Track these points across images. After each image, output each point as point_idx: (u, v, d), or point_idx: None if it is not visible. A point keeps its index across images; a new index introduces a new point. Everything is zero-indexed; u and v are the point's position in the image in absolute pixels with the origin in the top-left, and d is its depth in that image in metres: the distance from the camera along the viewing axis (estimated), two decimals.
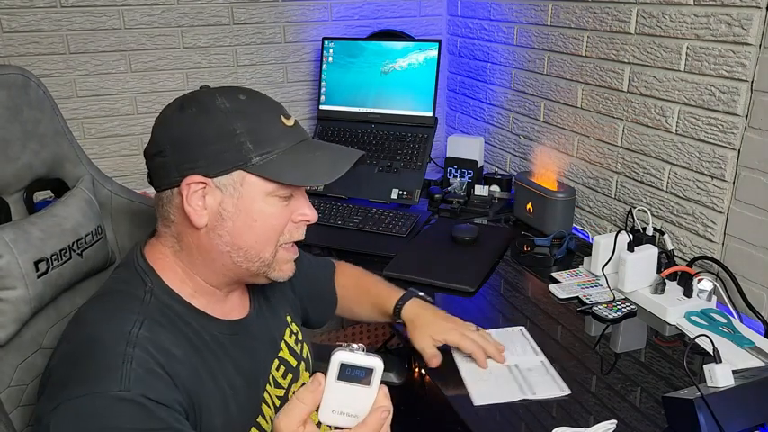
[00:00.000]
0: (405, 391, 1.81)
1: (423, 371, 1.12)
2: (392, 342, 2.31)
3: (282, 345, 1.01)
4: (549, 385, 1.04)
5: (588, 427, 0.94)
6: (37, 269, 0.88)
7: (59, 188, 1.06)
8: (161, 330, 0.79)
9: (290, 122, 0.87)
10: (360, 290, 1.24)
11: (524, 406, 1.00)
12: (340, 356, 0.64)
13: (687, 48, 1.32)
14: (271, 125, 0.85)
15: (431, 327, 1.11)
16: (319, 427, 0.67)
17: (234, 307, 0.93)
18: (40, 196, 1.04)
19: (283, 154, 0.84)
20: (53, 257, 0.92)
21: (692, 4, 1.29)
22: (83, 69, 1.88)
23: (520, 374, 1.07)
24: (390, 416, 0.66)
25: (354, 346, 0.65)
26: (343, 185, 1.88)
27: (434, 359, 1.08)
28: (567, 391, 1.02)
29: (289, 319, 1.06)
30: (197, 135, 0.81)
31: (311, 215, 0.89)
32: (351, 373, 0.64)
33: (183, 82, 2.00)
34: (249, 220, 0.83)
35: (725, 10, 1.22)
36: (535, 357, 1.12)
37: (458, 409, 1.01)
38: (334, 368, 0.64)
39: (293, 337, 1.04)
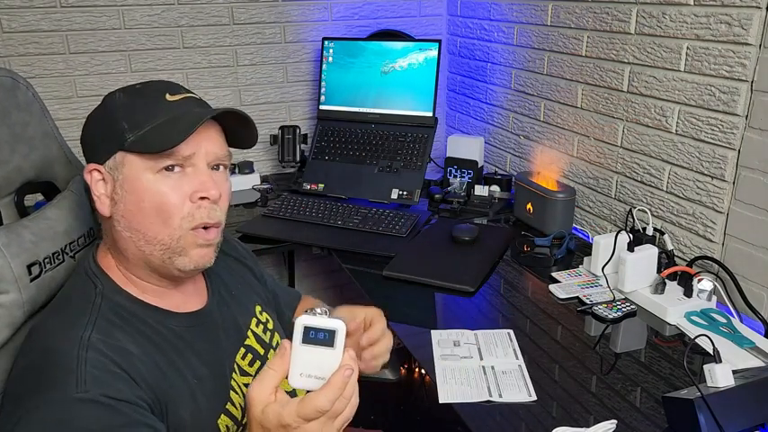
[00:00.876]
0: (405, 390, 1.81)
1: (423, 371, 1.12)
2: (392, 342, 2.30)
3: (249, 333, 1.01)
4: (517, 389, 1.04)
5: (588, 427, 0.93)
6: (30, 273, 0.88)
7: (50, 191, 1.06)
8: (115, 330, 0.80)
9: (176, 97, 0.86)
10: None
11: (525, 406, 1.00)
12: (303, 320, 0.66)
13: (687, 48, 1.32)
14: (149, 103, 0.85)
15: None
16: (291, 395, 0.68)
17: (188, 299, 0.93)
18: (36, 199, 1.04)
19: (156, 127, 0.82)
20: (46, 261, 0.91)
21: (692, 4, 1.29)
22: (83, 69, 1.88)
23: (493, 376, 1.08)
24: (356, 375, 0.66)
25: (317, 310, 0.68)
26: (343, 185, 1.89)
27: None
28: (533, 398, 1.02)
29: (258, 308, 1.06)
30: (92, 129, 0.87)
31: (207, 189, 0.84)
32: (315, 336, 0.66)
33: (183, 82, 2.00)
34: (137, 199, 0.83)
35: (725, 10, 1.22)
36: (514, 361, 1.12)
37: (458, 409, 1.01)
38: (298, 332, 0.66)
39: (261, 326, 1.04)
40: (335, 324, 0.66)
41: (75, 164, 1.09)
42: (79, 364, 0.72)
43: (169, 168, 0.83)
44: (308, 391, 0.66)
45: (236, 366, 0.95)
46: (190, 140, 0.82)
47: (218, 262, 1.04)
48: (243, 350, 0.98)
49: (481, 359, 1.13)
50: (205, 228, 0.86)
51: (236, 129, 0.90)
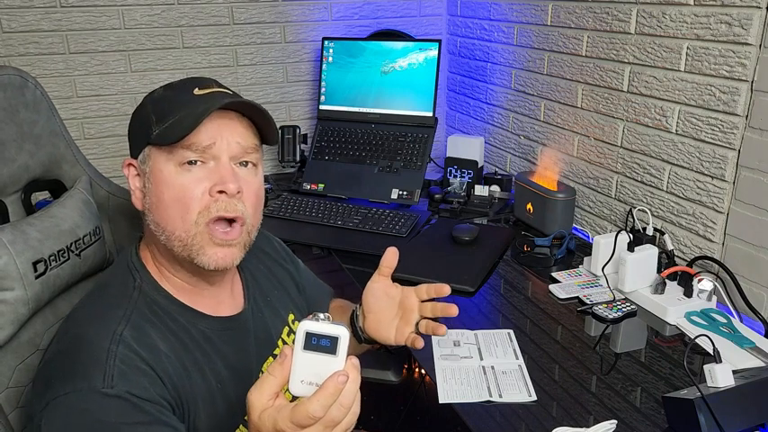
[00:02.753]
0: (405, 391, 1.81)
1: (423, 371, 1.12)
2: None
3: (279, 343, 1.00)
4: (517, 390, 1.04)
5: (588, 427, 0.94)
6: (35, 270, 0.89)
7: (57, 189, 1.06)
8: (147, 326, 0.80)
9: (204, 91, 0.85)
10: (340, 315, 1.18)
11: (525, 406, 1.00)
12: (305, 326, 0.64)
13: (687, 48, 1.32)
14: (178, 96, 0.85)
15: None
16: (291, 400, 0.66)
17: (223, 303, 0.93)
18: (38, 197, 1.04)
19: (177, 119, 0.81)
20: (51, 258, 0.92)
21: (692, 4, 1.29)
22: (83, 69, 1.88)
23: (493, 376, 1.08)
24: (354, 383, 0.63)
25: (320, 315, 0.65)
26: (343, 185, 1.89)
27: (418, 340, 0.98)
28: (533, 398, 1.02)
29: (291, 317, 1.05)
30: (131, 124, 0.89)
31: (226, 184, 0.81)
32: (317, 343, 0.64)
33: None
34: (158, 192, 0.83)
35: (725, 10, 1.22)
36: (514, 361, 1.12)
37: (458, 409, 1.01)
38: (299, 338, 0.64)
39: (292, 335, 1.03)
40: (338, 331, 0.64)
41: (82, 162, 1.10)
42: (108, 358, 0.73)
43: (191, 162, 0.82)
44: None
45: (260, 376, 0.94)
46: (209, 130, 0.81)
47: (256, 264, 1.02)
48: (271, 359, 0.97)
49: (481, 359, 1.13)
50: (227, 221, 0.83)
51: (262, 125, 0.88)
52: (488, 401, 1.01)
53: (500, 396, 1.02)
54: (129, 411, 0.71)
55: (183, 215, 0.81)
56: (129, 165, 0.88)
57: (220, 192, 0.82)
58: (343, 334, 0.64)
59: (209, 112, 0.80)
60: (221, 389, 0.85)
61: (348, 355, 0.65)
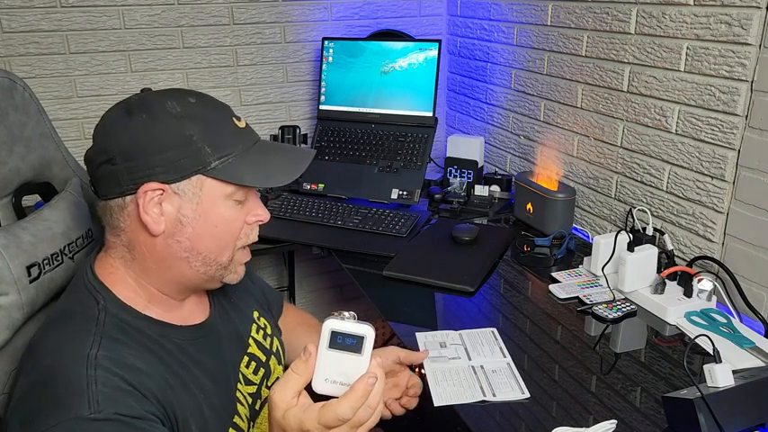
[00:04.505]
0: None
1: (423, 371, 1.12)
2: (392, 342, 2.30)
3: (250, 341, 1.00)
4: (510, 388, 1.04)
5: (588, 427, 0.93)
6: (29, 274, 0.88)
7: (48, 192, 1.05)
8: (120, 347, 0.78)
9: (242, 124, 0.88)
10: (304, 327, 1.23)
11: (524, 406, 1.00)
12: (330, 324, 0.65)
13: (687, 48, 1.32)
14: (224, 128, 0.85)
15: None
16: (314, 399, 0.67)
17: (192, 311, 0.92)
18: (37, 200, 1.04)
19: (240, 156, 0.84)
20: (45, 262, 0.91)
21: (692, 4, 1.29)
22: (83, 69, 1.88)
23: (484, 376, 1.08)
24: (380, 384, 0.65)
25: (345, 314, 0.65)
26: (343, 185, 1.89)
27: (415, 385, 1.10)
28: (526, 395, 1.02)
29: (255, 314, 1.06)
30: (151, 142, 0.80)
31: (264, 215, 0.90)
32: (342, 341, 0.64)
33: (183, 82, 2.00)
34: (210, 224, 0.84)
35: (725, 10, 1.22)
36: (502, 359, 1.12)
37: (458, 409, 1.01)
38: (324, 336, 0.64)
39: (261, 332, 1.04)
40: (364, 330, 0.64)
41: (72, 165, 1.09)
42: (89, 383, 0.71)
43: (240, 200, 0.86)
44: (330, 397, 0.65)
45: (240, 376, 0.94)
46: None
47: None
48: (246, 359, 0.97)
49: (469, 359, 1.12)
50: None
51: None
52: (483, 401, 1.01)
53: (494, 395, 1.02)
54: (123, 429, 0.69)
55: (228, 244, 0.87)
56: (157, 189, 0.80)
57: (256, 221, 0.90)
58: (369, 333, 0.65)
59: (300, 170, 0.89)
60: (206, 398, 0.85)
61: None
